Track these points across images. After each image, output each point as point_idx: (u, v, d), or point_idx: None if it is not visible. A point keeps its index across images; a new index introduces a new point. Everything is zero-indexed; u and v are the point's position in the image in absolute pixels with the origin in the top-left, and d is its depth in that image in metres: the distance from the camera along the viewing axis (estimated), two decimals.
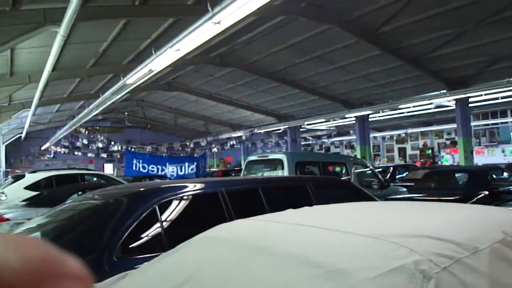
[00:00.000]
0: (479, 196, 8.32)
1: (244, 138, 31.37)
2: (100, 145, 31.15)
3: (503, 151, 31.90)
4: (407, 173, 18.47)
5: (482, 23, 13.05)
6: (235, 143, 32.38)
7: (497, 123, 32.58)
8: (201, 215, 4.23)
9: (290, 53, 16.44)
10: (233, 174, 18.74)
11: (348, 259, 1.67)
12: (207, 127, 34.13)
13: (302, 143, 34.06)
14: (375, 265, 1.58)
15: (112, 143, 31.36)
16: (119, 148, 31.15)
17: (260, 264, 1.87)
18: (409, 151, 38.98)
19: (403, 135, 36.99)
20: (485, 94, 20.11)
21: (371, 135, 28.18)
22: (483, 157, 29.75)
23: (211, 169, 28.81)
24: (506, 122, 32.16)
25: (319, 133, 37.25)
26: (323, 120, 26.52)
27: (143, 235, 3.68)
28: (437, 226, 2.07)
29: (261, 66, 18.42)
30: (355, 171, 11.16)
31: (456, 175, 11.07)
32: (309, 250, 1.84)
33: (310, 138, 38.22)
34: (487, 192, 8.46)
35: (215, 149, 34.27)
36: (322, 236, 1.99)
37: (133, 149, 28.87)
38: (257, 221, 2.50)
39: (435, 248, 1.71)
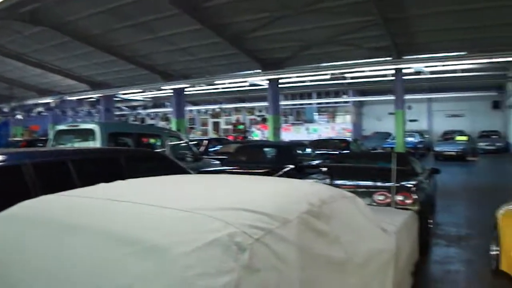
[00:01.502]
0: (285, 170, 8.92)
1: (53, 105, 29.17)
2: None
3: (307, 129, 35.00)
4: (220, 146, 19.04)
5: (300, 10, 13.94)
6: (43, 110, 30.00)
7: (303, 104, 35.57)
8: (1, 192, 3.72)
9: (109, 17, 15.60)
10: (40, 145, 17.31)
11: (164, 234, 1.61)
12: (11, 91, 30.85)
13: (116, 113, 33.04)
14: (191, 239, 1.55)
15: None
16: None
17: (70, 244, 1.70)
18: (222, 126, 40.45)
19: (218, 110, 38.13)
20: (296, 77, 21.70)
21: (187, 108, 28.48)
22: (289, 134, 32.17)
23: (14, 139, 26.30)
24: (311, 104, 35.29)
25: (134, 103, 36.45)
26: (140, 90, 25.98)
27: None
28: (250, 198, 2.11)
29: (77, 28, 17.18)
30: (170, 143, 11.13)
31: (266, 149, 11.71)
32: (124, 226, 1.73)
33: (125, 108, 37.23)
34: (293, 166, 9.10)
35: (19, 116, 31.36)
36: (137, 211, 1.89)
37: None
38: (66, 197, 2.27)
39: (249, 220, 1.74)
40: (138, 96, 32.11)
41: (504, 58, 17.35)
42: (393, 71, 19.07)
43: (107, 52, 19.73)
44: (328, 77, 23.94)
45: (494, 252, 5.49)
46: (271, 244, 1.68)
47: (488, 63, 19.52)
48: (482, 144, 27.76)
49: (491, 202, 6.97)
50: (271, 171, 8.48)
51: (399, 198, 6.02)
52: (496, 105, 32.83)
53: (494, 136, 29.78)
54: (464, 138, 25.67)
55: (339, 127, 35.10)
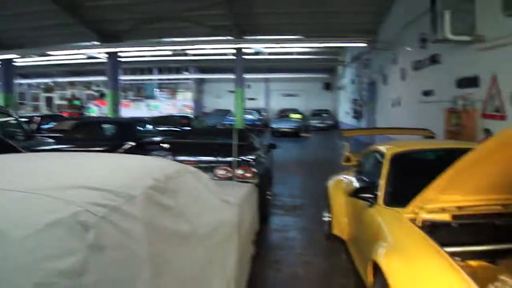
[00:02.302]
0: (126, 147, 8.69)
1: None
2: None
3: (148, 106, 34.40)
4: (54, 123, 17.84)
5: None
6: None
7: (144, 80, 34.83)
8: None
9: None
10: None
11: (1, 218, 1.46)
12: None
13: None
14: (31, 222, 1.43)
15: None
16: None
17: None
18: (56, 101, 37.90)
19: (51, 83, 35.66)
20: (136, 51, 21.06)
21: (17, 82, 26.09)
22: (129, 110, 31.29)
23: None
24: (152, 79, 34.70)
25: None
26: None
27: None
28: (92, 176, 2.02)
29: None
30: None
31: (105, 126, 11.26)
32: None
33: None
34: (133, 143, 8.89)
35: None
36: None
37: None
38: None
39: (92, 198, 1.67)
40: None
41: (335, 44, 18.83)
42: (234, 50, 19.52)
43: None
44: (170, 52, 23.77)
45: (327, 219, 6.00)
46: (116, 221, 1.63)
47: (321, 47, 21.02)
48: (314, 122, 29.97)
49: (323, 174, 7.54)
50: (111, 149, 8.21)
51: (240, 172, 6.24)
52: (327, 86, 35.88)
53: (325, 115, 32.34)
54: (298, 116, 27.49)
55: (180, 104, 35.14)
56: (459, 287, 2.59)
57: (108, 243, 1.54)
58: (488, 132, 7.63)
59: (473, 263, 3.59)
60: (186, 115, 22.79)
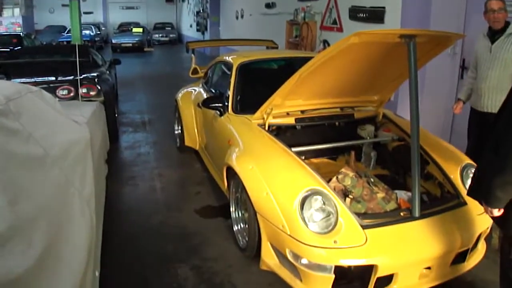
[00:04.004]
0: None
1: None
2: None
3: None
4: None
5: None
6: None
7: None
8: None
9: None
10: None
11: None
12: None
13: None
14: None
15: None
16: None
17: None
18: None
19: None
20: None
21: None
22: None
23: None
24: None
25: None
26: None
27: None
28: None
29: None
30: None
31: None
32: None
33: None
34: None
35: None
36: None
37: None
38: None
39: None
40: None
41: None
42: None
43: None
44: None
45: (178, 131, 6.08)
46: None
47: None
48: (157, 36, 29.04)
49: (170, 88, 7.53)
50: None
51: (83, 90, 5.98)
52: None
53: (168, 28, 31.40)
54: (140, 30, 26.32)
55: (8, 22, 31.61)
56: (306, 181, 2.86)
57: None
58: (326, 43, 8.13)
59: (316, 160, 3.97)
60: (15, 33, 20.70)
